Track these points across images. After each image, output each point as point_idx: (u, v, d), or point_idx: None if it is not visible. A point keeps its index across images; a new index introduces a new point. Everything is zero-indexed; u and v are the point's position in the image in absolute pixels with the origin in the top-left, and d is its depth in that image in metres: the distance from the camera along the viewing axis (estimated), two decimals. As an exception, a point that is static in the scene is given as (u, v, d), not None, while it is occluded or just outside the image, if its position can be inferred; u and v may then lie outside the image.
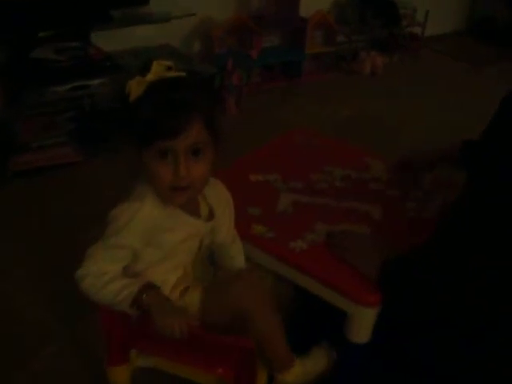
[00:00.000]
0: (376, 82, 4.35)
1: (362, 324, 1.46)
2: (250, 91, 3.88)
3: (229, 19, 3.80)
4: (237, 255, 1.55)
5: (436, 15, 4.72)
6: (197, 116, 1.22)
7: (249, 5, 3.97)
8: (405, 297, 1.41)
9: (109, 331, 1.46)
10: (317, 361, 1.54)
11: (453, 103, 3.97)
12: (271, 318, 1.42)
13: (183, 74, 1.24)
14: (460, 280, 1.32)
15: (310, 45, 4.12)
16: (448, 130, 3.52)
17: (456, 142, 1.76)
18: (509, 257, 1.29)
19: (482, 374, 1.37)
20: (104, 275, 1.26)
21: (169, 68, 1.22)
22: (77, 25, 3.02)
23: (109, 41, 3.24)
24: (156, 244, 1.32)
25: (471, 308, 1.32)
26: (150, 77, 1.21)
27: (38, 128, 3.01)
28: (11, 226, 2.56)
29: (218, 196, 1.45)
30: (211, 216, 1.42)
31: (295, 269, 1.50)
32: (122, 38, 3.33)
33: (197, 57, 3.75)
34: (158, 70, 1.21)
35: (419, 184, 1.82)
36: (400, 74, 4.45)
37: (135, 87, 1.21)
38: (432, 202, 1.74)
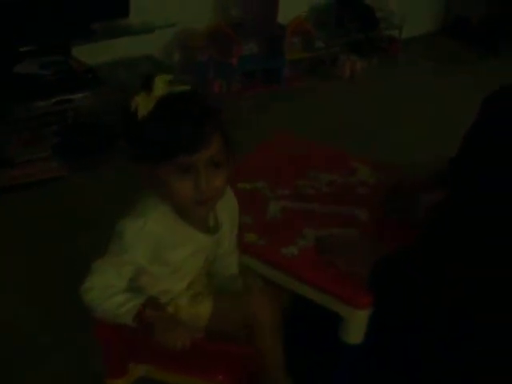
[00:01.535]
0: (355, 85, 4.37)
1: (356, 326, 1.49)
2: (231, 99, 3.90)
3: (208, 28, 3.82)
4: (232, 263, 1.56)
5: (413, 17, 4.75)
6: (214, 128, 1.23)
7: (227, 13, 3.99)
8: (393, 297, 1.44)
9: (107, 344, 1.47)
10: None
11: (432, 105, 4.00)
12: (277, 339, 1.45)
13: (187, 87, 1.25)
14: (438, 285, 1.35)
15: (289, 51, 4.14)
16: (428, 132, 3.58)
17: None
18: (485, 266, 1.31)
19: (459, 381, 1.40)
20: (109, 288, 1.28)
21: (170, 82, 1.23)
22: (58, 39, 3.03)
23: (90, 54, 3.25)
24: (162, 261, 1.33)
25: (448, 314, 1.35)
26: (158, 92, 1.21)
27: (22, 143, 3.01)
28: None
29: (227, 205, 1.45)
30: (217, 228, 1.43)
31: (288, 274, 1.53)
32: (104, 50, 3.33)
33: (178, 66, 3.77)
34: (162, 85, 1.21)
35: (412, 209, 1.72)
36: (379, 78, 4.47)
37: (143, 104, 1.21)
38: (418, 204, 1.76)
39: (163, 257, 1.32)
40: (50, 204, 2.81)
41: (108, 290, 1.28)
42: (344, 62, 4.44)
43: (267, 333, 1.43)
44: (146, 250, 1.29)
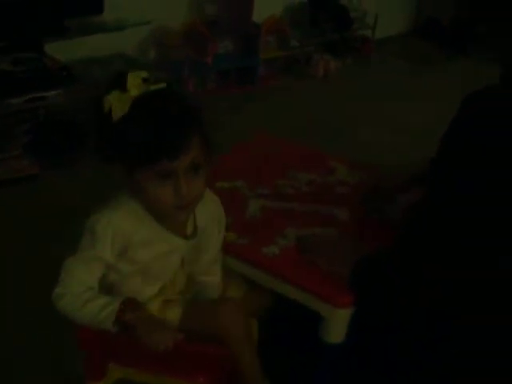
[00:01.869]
0: (329, 85, 4.40)
1: (337, 325, 1.48)
2: (206, 98, 3.88)
3: (183, 26, 3.80)
4: (217, 270, 1.52)
5: (385, 18, 4.81)
6: (193, 131, 1.19)
7: (202, 11, 3.97)
8: (372, 297, 1.44)
9: (85, 347, 1.45)
10: None
11: (404, 104, 4.05)
12: (250, 346, 1.44)
13: (163, 84, 1.21)
14: (415, 286, 1.34)
15: (264, 50, 4.15)
16: (401, 131, 3.63)
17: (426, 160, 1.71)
18: (462, 267, 1.31)
19: (437, 382, 1.40)
20: (82, 294, 1.24)
21: (145, 80, 1.19)
22: (31, 35, 2.98)
23: (63, 50, 3.20)
24: (129, 258, 1.30)
25: (425, 315, 1.35)
26: (133, 92, 1.17)
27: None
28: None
29: (210, 212, 1.42)
30: (195, 234, 1.40)
31: (269, 274, 1.52)
32: (77, 47, 3.29)
33: (152, 64, 3.74)
34: (136, 83, 1.17)
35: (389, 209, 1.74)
36: (353, 77, 4.51)
37: (118, 104, 1.16)
38: (395, 204, 1.77)
39: (130, 254, 1.28)
40: (22, 203, 2.76)
41: (81, 296, 1.24)
42: (318, 62, 4.46)
43: (240, 343, 1.41)
44: (114, 245, 1.25)
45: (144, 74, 1.20)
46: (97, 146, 1.31)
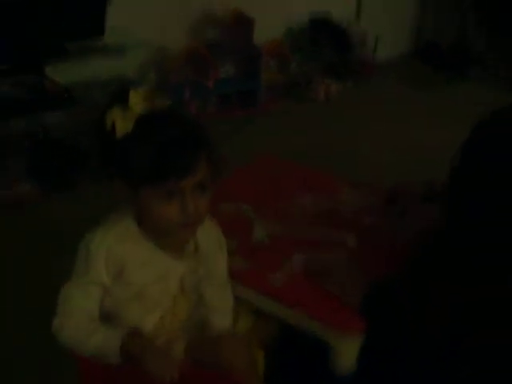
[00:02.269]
0: (330, 108, 4.38)
1: (347, 354, 1.44)
2: (207, 121, 3.85)
3: (183, 49, 3.79)
4: (227, 297, 1.47)
5: (386, 41, 4.82)
6: (202, 150, 1.17)
7: (203, 34, 3.97)
8: (383, 322, 1.41)
9: (87, 378, 1.40)
10: None
11: (405, 126, 4.03)
12: (254, 378, 1.39)
13: (167, 102, 1.20)
14: (423, 311, 1.32)
15: (265, 73, 4.14)
16: (403, 153, 3.60)
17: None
18: (470, 285, 1.30)
19: None
20: (84, 325, 1.20)
21: (146, 97, 1.17)
22: (32, 58, 2.96)
23: (64, 73, 3.18)
24: (124, 281, 1.25)
25: (434, 339, 1.32)
26: (135, 109, 1.15)
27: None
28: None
29: (211, 235, 1.39)
30: (195, 255, 1.35)
31: (275, 302, 1.48)
32: (78, 70, 3.26)
33: (153, 87, 3.72)
34: (137, 100, 1.16)
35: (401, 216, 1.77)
36: (354, 100, 4.49)
37: (121, 121, 1.15)
38: (406, 230, 1.74)
39: (125, 276, 1.24)
40: (22, 229, 2.71)
41: (83, 328, 1.19)
42: (318, 85, 4.45)
43: (243, 373, 1.35)
44: (109, 265, 1.22)
45: (145, 91, 1.19)
46: (100, 163, 1.29)
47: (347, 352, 1.44)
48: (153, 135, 1.15)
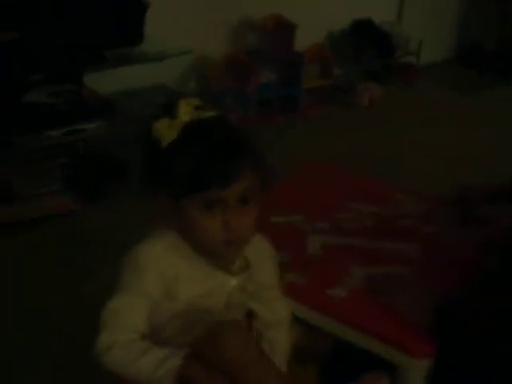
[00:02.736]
0: (373, 113, 4.28)
1: (415, 377, 1.32)
2: (249, 127, 3.77)
3: (224, 56, 3.72)
4: (281, 307, 1.34)
5: (428, 44, 4.69)
6: (246, 159, 1.11)
7: (243, 41, 3.91)
8: (451, 342, 1.29)
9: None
10: None
11: (451, 133, 3.91)
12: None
13: (215, 112, 1.14)
14: (495, 325, 1.25)
15: (307, 79, 4.05)
16: (448, 159, 3.50)
17: None
18: None
19: None
20: (134, 344, 1.10)
21: (197, 107, 1.12)
22: (70, 66, 2.91)
23: (103, 82, 3.13)
24: (171, 295, 1.17)
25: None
26: (183, 118, 1.10)
27: (30, 176, 2.87)
28: (8, 280, 2.38)
29: (258, 252, 1.28)
30: (245, 270, 1.25)
31: (336, 319, 1.36)
32: (116, 78, 3.21)
33: (193, 96, 3.65)
34: (187, 109, 1.10)
35: (471, 218, 1.67)
36: (397, 105, 4.38)
37: (167, 131, 1.10)
38: (473, 240, 1.61)
39: (172, 289, 1.16)
40: (61, 241, 2.65)
41: (133, 348, 1.10)
42: (362, 90, 4.34)
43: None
44: (158, 278, 1.15)
45: (196, 102, 1.14)
46: (142, 175, 1.21)
47: (416, 374, 1.32)
48: (197, 142, 1.10)
